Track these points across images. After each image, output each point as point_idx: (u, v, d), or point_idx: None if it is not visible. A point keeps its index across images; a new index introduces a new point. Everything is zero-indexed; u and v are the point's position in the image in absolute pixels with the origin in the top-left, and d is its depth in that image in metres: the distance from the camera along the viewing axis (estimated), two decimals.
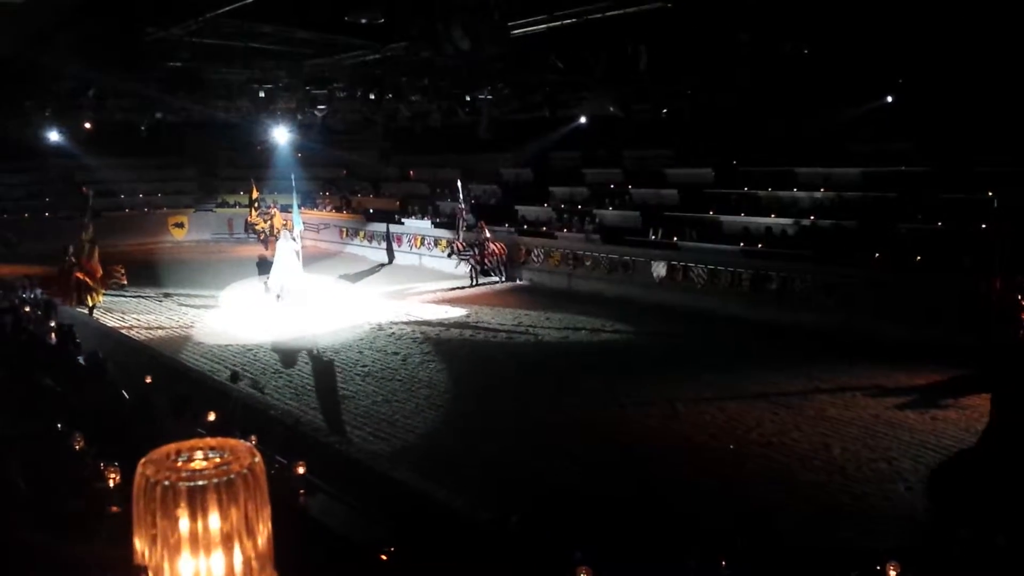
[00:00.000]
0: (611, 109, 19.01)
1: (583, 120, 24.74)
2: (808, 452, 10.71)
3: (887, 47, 14.16)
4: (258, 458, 1.78)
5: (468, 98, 20.90)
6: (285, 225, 22.59)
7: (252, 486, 1.72)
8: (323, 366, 14.94)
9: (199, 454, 1.75)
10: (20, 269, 21.61)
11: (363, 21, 11.93)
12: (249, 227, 32.00)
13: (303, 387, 13.66)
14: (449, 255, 25.34)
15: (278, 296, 19.95)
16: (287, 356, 15.56)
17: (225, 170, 37.13)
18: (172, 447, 1.77)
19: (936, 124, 18.28)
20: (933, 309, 15.51)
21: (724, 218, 21.62)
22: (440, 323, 18.72)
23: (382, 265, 28.55)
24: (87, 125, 27.18)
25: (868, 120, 19.34)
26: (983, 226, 16.37)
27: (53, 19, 12.76)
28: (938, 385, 13.40)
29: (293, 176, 23.89)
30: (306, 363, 15.14)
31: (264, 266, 21.36)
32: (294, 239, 20.86)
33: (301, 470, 7.09)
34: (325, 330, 17.73)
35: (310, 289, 20.64)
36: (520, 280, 24.40)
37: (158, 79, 17.94)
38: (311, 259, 26.93)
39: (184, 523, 1.67)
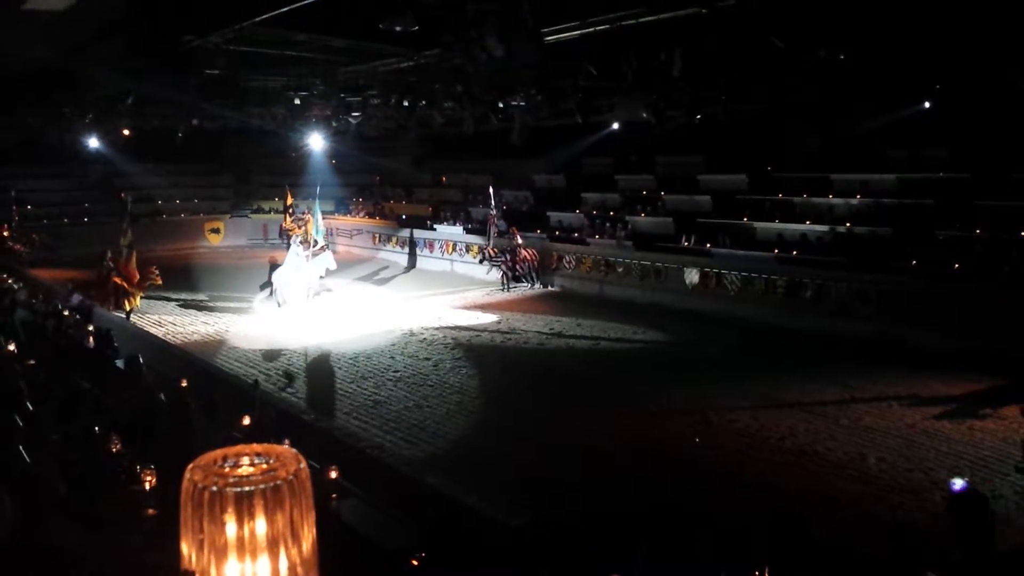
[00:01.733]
0: (644, 115, 18.89)
1: (615, 126, 24.67)
2: (843, 461, 10.61)
3: (924, 53, 13.98)
4: (303, 464, 1.80)
5: (501, 104, 20.92)
6: (303, 230, 22.80)
7: (298, 492, 1.74)
8: (355, 371, 15.02)
9: (246, 460, 1.77)
10: (59, 273, 21.98)
11: (397, 29, 11.99)
12: (284, 233, 32.29)
13: (336, 392, 13.74)
14: (481, 261, 25.38)
15: (280, 300, 20.47)
16: (319, 360, 15.67)
17: (261, 176, 37.52)
18: (219, 453, 1.79)
19: (973, 130, 18.04)
20: (971, 317, 15.29)
21: (758, 225, 21.46)
22: (471, 329, 18.76)
23: (405, 270, 28.78)
24: (126, 132, 27.59)
25: (904, 126, 19.08)
26: (1023, 233, 16.14)
27: (94, 28, 12.99)
28: (976, 395, 13.20)
29: (318, 184, 24.00)
30: (338, 368, 15.24)
31: (275, 270, 21.69)
32: (301, 243, 21.24)
33: (334, 474, 7.14)
34: (357, 335, 17.84)
35: (317, 294, 21.03)
36: (552, 286, 24.38)
37: (196, 86, 18.15)
38: (344, 264, 27.16)
39: (231, 528, 1.69)
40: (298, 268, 20.79)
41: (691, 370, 15.24)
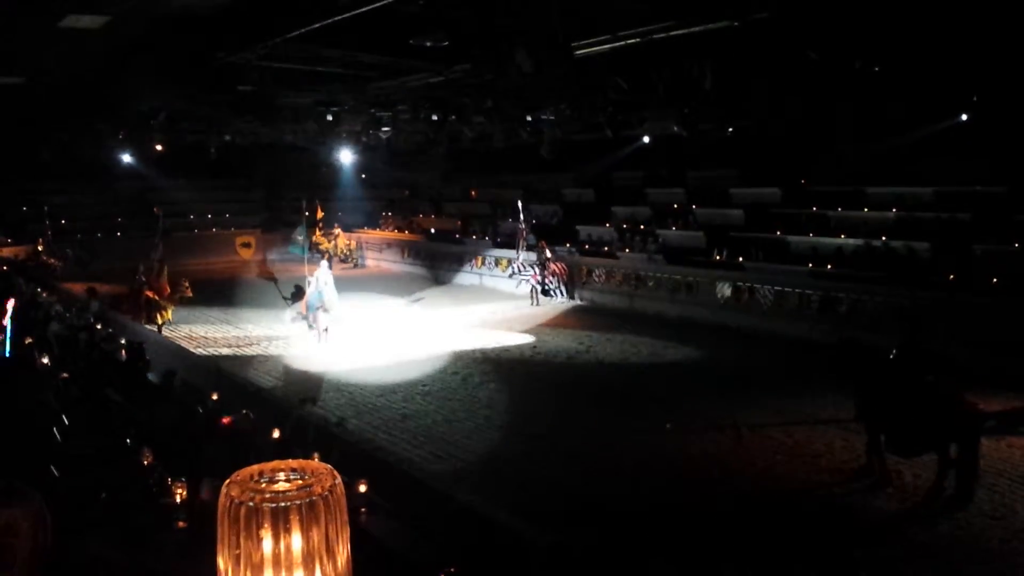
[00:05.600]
0: (675, 128, 18.85)
1: (646, 140, 24.62)
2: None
3: (960, 64, 13.81)
4: (338, 480, 1.77)
5: (530, 119, 20.99)
6: (333, 244, 23.01)
7: (333, 507, 1.71)
8: (384, 385, 15.01)
9: (281, 476, 1.75)
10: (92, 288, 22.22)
11: (427, 44, 12.06)
12: (314, 247, 32.55)
13: (364, 405, 13.75)
14: (510, 275, 25.36)
15: (300, 319, 20.48)
16: (348, 375, 15.69)
17: (291, 191, 37.90)
18: (255, 468, 1.77)
19: (1011, 143, 17.78)
20: (1010, 333, 15.00)
21: (791, 238, 21.27)
22: (500, 343, 18.71)
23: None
24: (159, 147, 27.98)
25: (941, 139, 18.86)
26: None
27: (128, 45, 13.19)
28: (1014, 412, 12.88)
29: (302, 199, 24.03)
30: (367, 382, 15.24)
31: (299, 290, 21.75)
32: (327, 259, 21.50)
33: (363, 488, 7.11)
34: (386, 349, 17.85)
35: (339, 313, 21.08)
36: (581, 300, 24.28)
37: (228, 102, 18.39)
38: (372, 278, 27.29)
39: (267, 543, 1.66)
40: (325, 283, 20.93)
41: (723, 385, 15.05)
